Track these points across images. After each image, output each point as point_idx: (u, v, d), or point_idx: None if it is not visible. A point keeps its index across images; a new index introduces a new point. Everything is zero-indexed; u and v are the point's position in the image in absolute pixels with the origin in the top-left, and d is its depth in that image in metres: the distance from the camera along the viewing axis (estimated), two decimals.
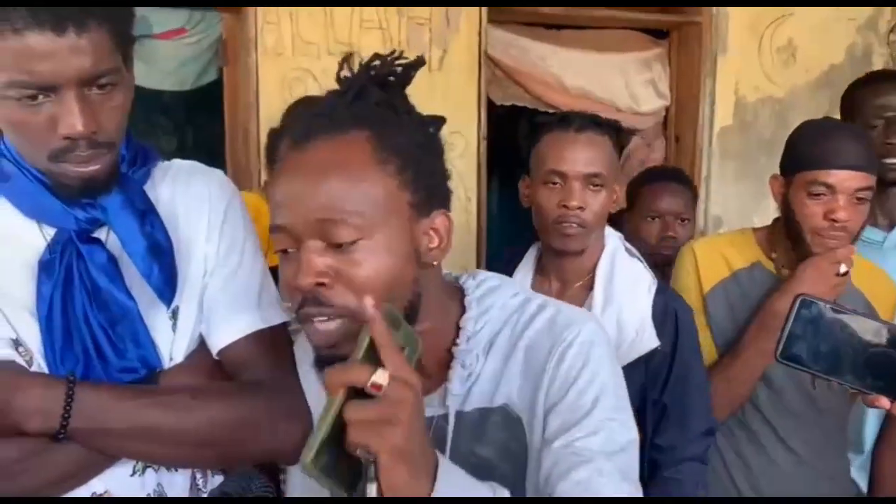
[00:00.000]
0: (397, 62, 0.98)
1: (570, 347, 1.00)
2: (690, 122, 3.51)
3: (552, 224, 1.69)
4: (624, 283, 1.72)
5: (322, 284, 0.91)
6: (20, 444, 0.98)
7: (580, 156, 1.68)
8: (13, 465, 0.99)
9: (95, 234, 1.07)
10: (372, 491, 0.77)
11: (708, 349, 1.82)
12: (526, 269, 1.83)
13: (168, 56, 3.18)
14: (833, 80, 3.49)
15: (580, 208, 1.66)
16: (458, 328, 1.03)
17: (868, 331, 1.06)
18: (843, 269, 1.68)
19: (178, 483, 1.11)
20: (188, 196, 1.15)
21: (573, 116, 1.73)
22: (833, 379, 1.07)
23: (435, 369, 1.03)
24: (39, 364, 1.03)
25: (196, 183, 1.17)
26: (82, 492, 1.04)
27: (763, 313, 1.72)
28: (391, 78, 0.97)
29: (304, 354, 1.10)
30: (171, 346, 1.10)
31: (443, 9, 3.06)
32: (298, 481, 1.14)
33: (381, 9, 2.99)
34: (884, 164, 2.04)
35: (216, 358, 1.13)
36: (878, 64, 3.53)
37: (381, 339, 0.79)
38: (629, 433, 1.00)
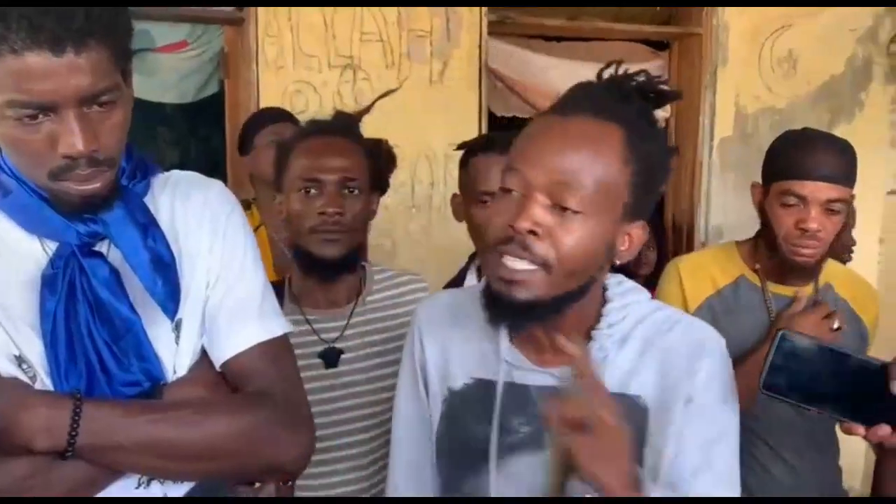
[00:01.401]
0: (660, 83, 1.11)
1: (708, 357, 1.12)
2: (691, 134, 3.51)
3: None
4: None
5: (534, 233, 1.02)
6: (27, 462, 0.98)
7: None
8: (21, 482, 0.98)
9: (97, 248, 1.07)
10: None
11: None
12: (471, 278, 1.95)
13: (169, 69, 3.21)
14: (834, 90, 3.50)
15: None
16: (597, 316, 1.13)
17: (844, 362, 1.11)
18: (835, 324, 1.72)
19: (182, 495, 1.10)
20: (188, 208, 1.15)
21: (496, 139, 1.87)
22: (812, 408, 1.11)
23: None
24: (43, 381, 1.02)
25: (195, 194, 1.16)
26: None
27: (753, 356, 1.73)
28: (651, 94, 1.10)
29: (469, 308, 1.19)
30: (175, 358, 1.10)
31: (443, 21, 3.07)
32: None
33: (382, 21, 3.00)
34: None
35: (219, 370, 1.13)
36: (877, 74, 3.54)
37: (589, 377, 0.92)
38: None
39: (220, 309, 1.13)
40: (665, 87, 1.11)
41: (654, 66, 3.54)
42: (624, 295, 1.15)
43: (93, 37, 0.94)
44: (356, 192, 1.66)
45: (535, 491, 1.10)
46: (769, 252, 1.80)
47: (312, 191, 1.63)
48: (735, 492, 1.10)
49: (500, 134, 1.98)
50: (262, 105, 2.87)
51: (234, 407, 1.08)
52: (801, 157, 1.72)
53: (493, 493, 1.12)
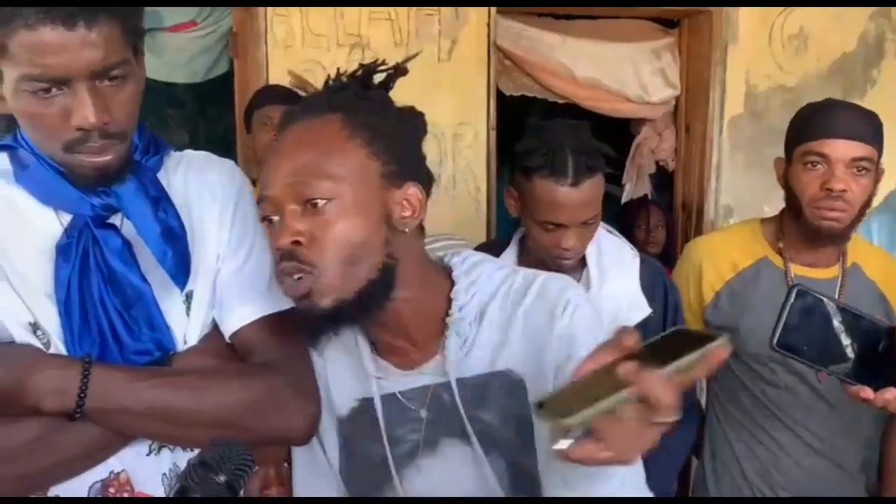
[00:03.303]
0: (378, 68, 1.10)
1: (567, 309, 1.08)
2: (701, 112, 3.50)
3: (548, 257, 1.72)
4: (612, 259, 1.79)
5: (298, 243, 1.01)
6: (38, 423, 1.01)
7: (577, 208, 1.66)
8: (32, 443, 1.01)
9: (110, 221, 1.09)
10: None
11: None
12: (511, 253, 1.86)
13: (179, 49, 3.22)
14: (845, 67, 3.48)
15: (574, 247, 1.70)
16: (448, 301, 1.11)
17: (855, 323, 1.10)
18: None
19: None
20: (201, 184, 1.18)
21: (568, 165, 1.66)
22: (822, 369, 1.11)
23: (426, 340, 1.11)
24: (57, 347, 1.05)
25: (208, 172, 1.20)
26: (100, 470, 1.06)
27: None
28: (373, 80, 1.10)
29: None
30: (185, 329, 1.12)
31: None
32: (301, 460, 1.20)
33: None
34: None
35: (229, 342, 1.15)
36: (889, 51, 3.51)
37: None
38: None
39: (230, 281, 1.15)
40: (384, 67, 1.10)
41: (663, 43, 3.53)
42: (469, 272, 1.13)
43: (104, 12, 0.97)
44: None
45: (443, 491, 1.10)
46: (795, 225, 1.76)
47: None
48: None
49: (574, 155, 1.68)
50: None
51: (240, 375, 1.10)
52: (823, 117, 1.70)
53: None
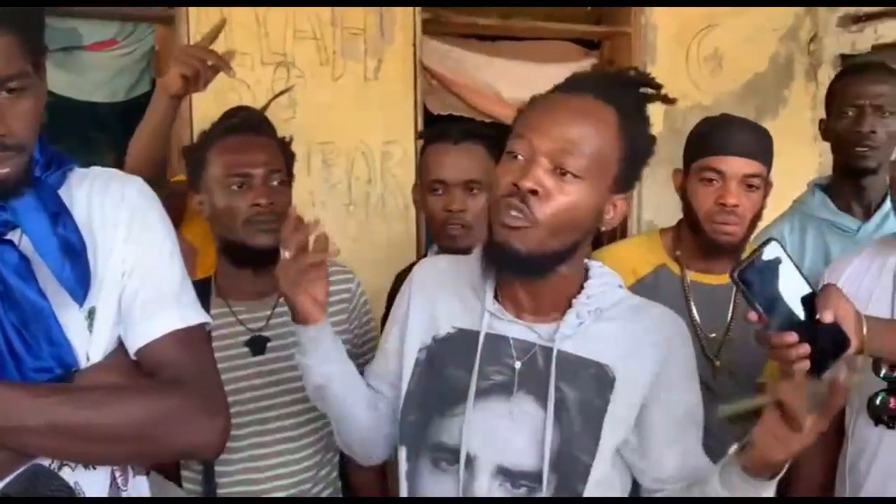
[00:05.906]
0: (653, 80, 1.28)
1: (684, 344, 1.30)
2: None
3: (440, 227, 1.88)
4: None
5: (535, 193, 1.15)
6: None
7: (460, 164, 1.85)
8: None
9: (8, 237, 1.07)
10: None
11: None
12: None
13: (99, 67, 3.16)
14: (757, 87, 3.60)
15: (461, 211, 1.83)
16: (580, 288, 1.27)
17: (802, 284, 1.20)
18: None
19: (97, 481, 1.10)
20: (105, 200, 1.16)
21: (450, 129, 1.92)
22: (759, 310, 1.18)
23: (548, 309, 1.27)
24: None
25: (114, 188, 1.18)
26: None
27: None
28: (640, 88, 1.26)
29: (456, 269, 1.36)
30: (88, 346, 1.10)
31: (377, 19, 3.08)
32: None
33: (315, 19, 3.00)
34: (854, 152, 2.08)
35: (134, 358, 1.14)
36: (798, 72, 3.65)
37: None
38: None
39: (135, 297, 1.14)
40: (658, 85, 1.26)
41: (585, 64, 3.61)
42: (603, 276, 1.30)
43: (1, 25, 0.97)
44: (280, 182, 1.72)
45: (496, 434, 1.22)
46: (692, 236, 1.83)
47: (243, 185, 1.68)
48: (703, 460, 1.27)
49: (454, 124, 2.07)
50: (195, 104, 2.84)
51: (146, 391, 1.09)
52: (718, 134, 1.80)
53: (463, 435, 1.23)
